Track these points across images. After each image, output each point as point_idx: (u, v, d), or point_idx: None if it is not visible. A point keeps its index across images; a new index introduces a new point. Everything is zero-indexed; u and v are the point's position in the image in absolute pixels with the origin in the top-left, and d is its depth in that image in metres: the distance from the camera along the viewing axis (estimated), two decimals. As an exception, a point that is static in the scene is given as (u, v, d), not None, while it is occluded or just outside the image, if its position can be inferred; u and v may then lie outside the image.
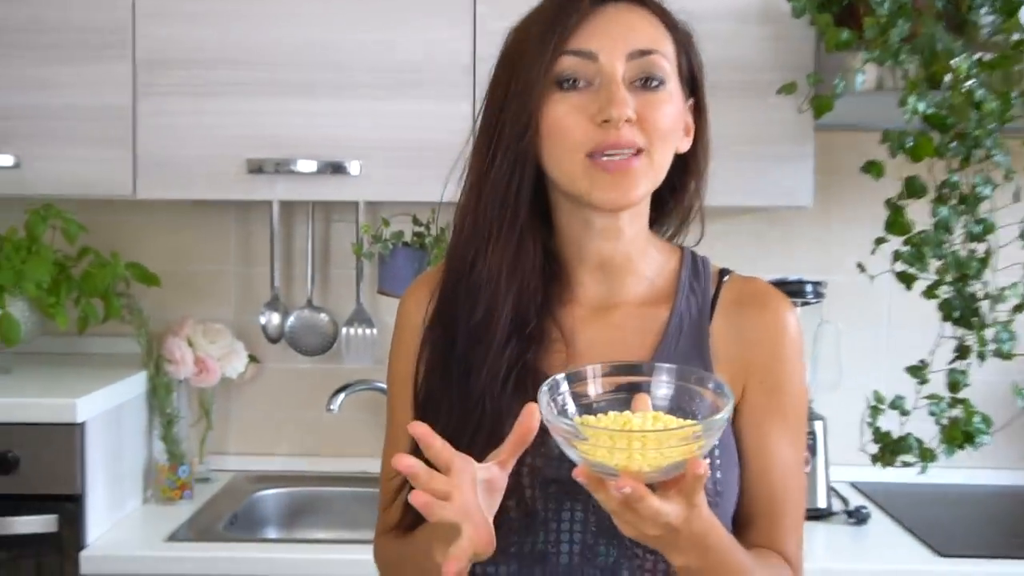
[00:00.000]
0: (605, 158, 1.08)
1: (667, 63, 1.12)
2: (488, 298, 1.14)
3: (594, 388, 1.02)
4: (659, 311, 1.18)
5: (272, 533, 2.36)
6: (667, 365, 1.02)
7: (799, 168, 2.13)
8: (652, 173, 1.11)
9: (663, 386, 1.02)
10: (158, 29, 2.12)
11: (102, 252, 2.28)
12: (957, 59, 1.89)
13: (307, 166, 2.13)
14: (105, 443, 2.08)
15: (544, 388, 0.97)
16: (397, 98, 2.12)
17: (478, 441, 1.08)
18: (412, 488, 1.06)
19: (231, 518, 2.19)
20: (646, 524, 0.93)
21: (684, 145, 1.17)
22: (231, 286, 2.51)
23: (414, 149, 2.12)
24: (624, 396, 1.00)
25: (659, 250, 1.22)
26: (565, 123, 1.09)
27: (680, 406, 0.99)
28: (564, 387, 1.00)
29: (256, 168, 2.13)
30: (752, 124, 2.12)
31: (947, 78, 1.92)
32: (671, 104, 1.12)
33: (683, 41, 1.16)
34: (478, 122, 1.17)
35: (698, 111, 1.20)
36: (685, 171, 1.21)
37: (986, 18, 2.03)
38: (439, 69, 2.12)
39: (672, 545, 0.97)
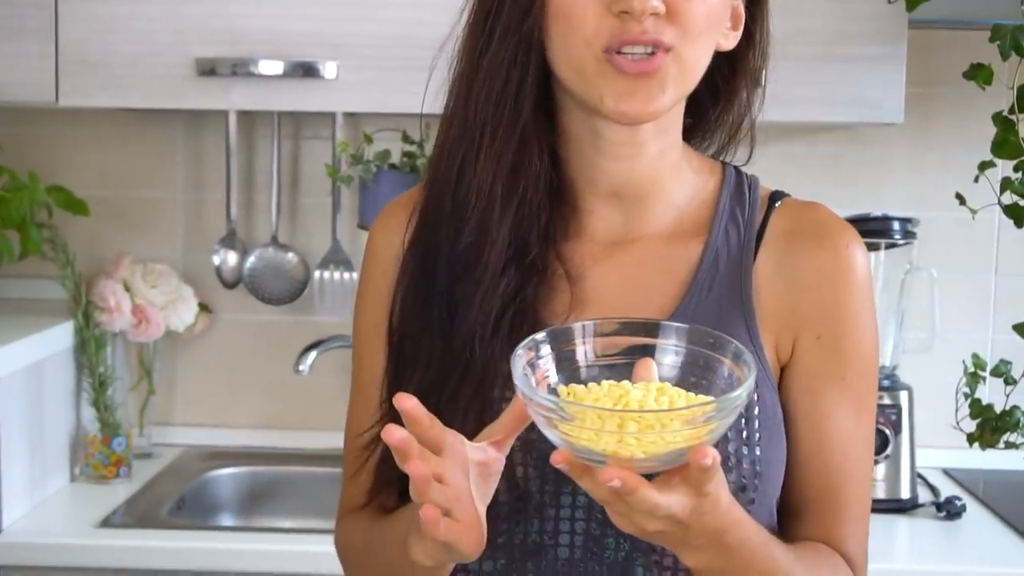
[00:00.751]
0: (623, 56, 1.07)
1: None
2: (478, 217, 1.14)
3: (584, 351, 0.98)
4: (690, 247, 1.18)
5: (227, 520, 2.40)
6: (676, 324, 1.00)
7: (887, 74, 2.13)
8: (682, 78, 1.10)
9: (670, 351, 0.99)
10: None
11: (17, 173, 2.30)
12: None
13: (271, 67, 2.14)
14: (22, 408, 2.11)
15: (519, 351, 0.95)
16: None
17: (462, 395, 1.09)
18: (385, 454, 1.09)
19: (178, 501, 2.23)
20: (643, 518, 0.91)
21: (730, 41, 1.16)
22: (177, 217, 2.53)
23: (404, 47, 2.11)
24: (623, 362, 0.98)
25: (695, 169, 1.21)
26: (576, 7, 1.08)
27: (691, 376, 0.97)
28: (546, 349, 0.97)
29: (208, 69, 2.14)
30: (825, 15, 2.12)
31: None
32: None
33: None
34: (472, 4, 1.17)
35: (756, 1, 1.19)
36: (733, 73, 1.20)
37: None
38: None
39: (681, 542, 0.95)
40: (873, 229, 2.27)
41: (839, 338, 1.16)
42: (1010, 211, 1.95)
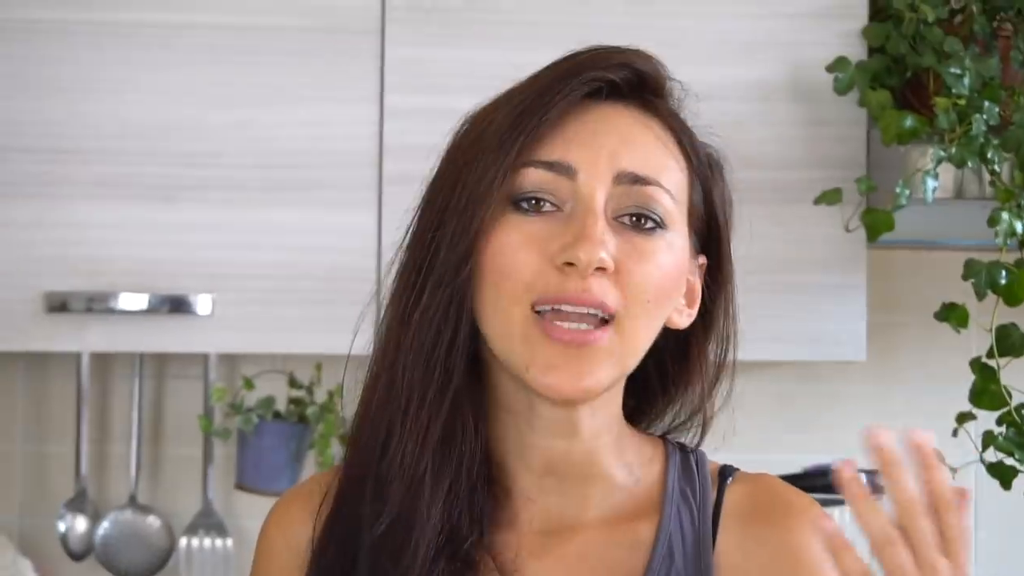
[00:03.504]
0: (557, 321, 1.08)
1: (670, 200, 1.12)
2: (403, 496, 1.12)
3: None
4: (639, 532, 1.17)
5: None
6: None
7: (847, 306, 2.17)
8: (622, 354, 1.11)
9: None
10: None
11: None
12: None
13: (134, 302, 2.11)
14: None
15: None
16: (268, 205, 2.13)
17: None
18: None
19: None
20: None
21: (683, 319, 1.18)
22: (16, 475, 2.47)
23: (292, 277, 2.13)
24: None
25: (636, 446, 1.21)
26: (514, 258, 1.10)
27: None
28: None
29: (59, 305, 2.11)
30: (778, 243, 2.14)
31: (1053, 184, 1.98)
32: (668, 256, 1.12)
33: (703, 173, 1.18)
34: (405, 242, 1.18)
35: (713, 276, 1.20)
36: (686, 358, 1.21)
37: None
38: (330, 164, 2.13)
39: None
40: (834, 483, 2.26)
41: None
42: (994, 470, 1.98)
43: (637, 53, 1.17)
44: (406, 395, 1.13)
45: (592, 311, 1.08)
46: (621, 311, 1.09)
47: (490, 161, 1.11)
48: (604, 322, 1.09)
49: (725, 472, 1.21)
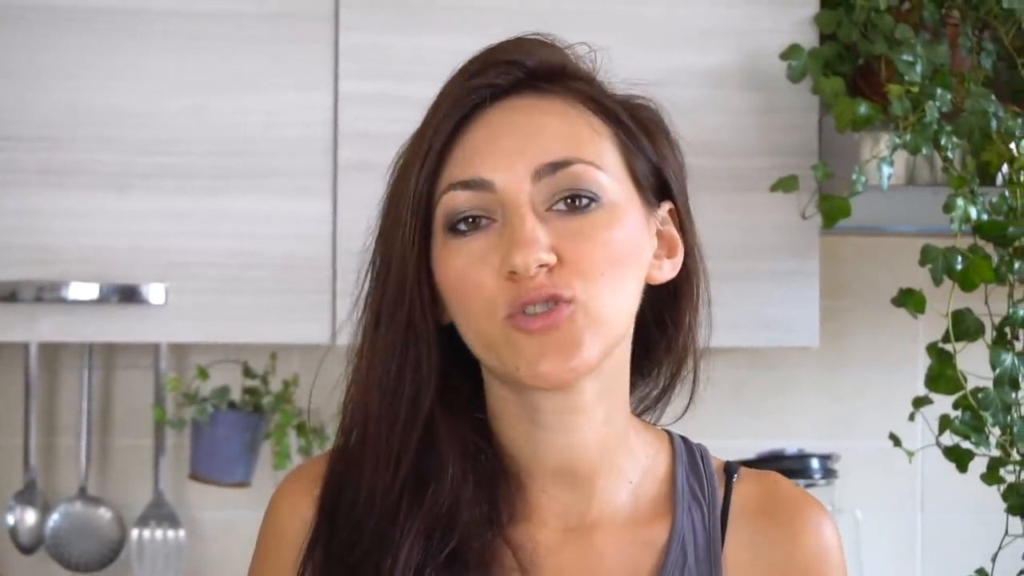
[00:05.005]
0: (524, 316, 1.10)
1: (601, 173, 1.14)
2: (375, 526, 1.15)
3: None
4: (655, 531, 1.19)
5: None
6: None
7: (800, 293, 2.19)
8: (596, 325, 1.12)
9: None
10: None
11: None
12: (1018, 143, 1.98)
13: (84, 291, 2.10)
14: None
15: None
16: (222, 192, 2.13)
17: None
18: None
19: None
20: None
21: (665, 271, 1.19)
22: (-39, 467, 2.44)
23: (246, 266, 2.12)
24: None
25: (642, 439, 1.23)
26: (469, 280, 1.12)
27: None
28: None
29: (8, 295, 2.09)
30: (732, 230, 2.17)
31: (1004, 169, 2.01)
32: (612, 226, 1.13)
33: (634, 135, 1.18)
34: (364, 274, 1.21)
35: (682, 217, 1.21)
36: (677, 298, 1.22)
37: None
38: (284, 151, 2.13)
39: None
40: (789, 468, 2.30)
41: None
42: (951, 454, 2.00)
43: (526, 47, 1.18)
44: (374, 430, 1.17)
45: (551, 303, 1.09)
46: (579, 293, 1.10)
47: (412, 191, 1.14)
48: (566, 303, 1.10)
49: (730, 469, 1.24)
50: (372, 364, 1.17)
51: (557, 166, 1.12)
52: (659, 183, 1.19)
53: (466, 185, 1.12)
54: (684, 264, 1.21)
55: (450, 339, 1.17)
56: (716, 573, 1.18)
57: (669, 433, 1.26)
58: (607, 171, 1.14)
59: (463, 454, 1.17)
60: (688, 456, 1.24)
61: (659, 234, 1.18)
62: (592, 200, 1.12)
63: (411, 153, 1.16)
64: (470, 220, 1.12)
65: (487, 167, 1.12)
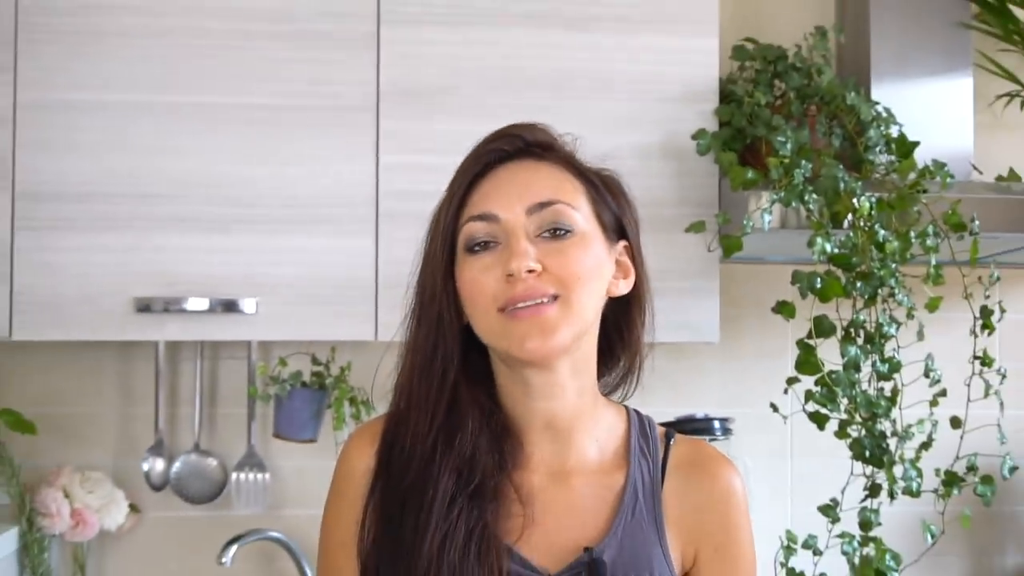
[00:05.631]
0: (516, 308, 1.12)
1: (574, 211, 1.16)
2: (419, 462, 1.15)
3: None
4: (614, 477, 1.21)
5: None
6: None
7: (705, 303, 2.18)
8: (571, 318, 1.13)
9: None
10: (39, 160, 2.07)
11: (-31, 397, 2.19)
12: (858, 199, 1.99)
13: (198, 304, 2.09)
14: (-27, 610, 1.96)
15: None
16: (295, 233, 2.11)
17: None
18: None
19: None
20: None
21: (621, 288, 1.21)
22: (110, 430, 2.43)
23: (313, 286, 2.11)
24: None
25: (606, 410, 1.24)
26: (477, 284, 1.14)
27: None
28: None
29: (144, 307, 2.08)
30: (656, 259, 2.11)
31: (849, 217, 2.01)
32: (583, 250, 1.15)
33: (601, 193, 1.21)
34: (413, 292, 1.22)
35: (633, 252, 1.24)
36: (628, 313, 1.24)
37: (881, 157, 2.15)
38: (339, 204, 2.12)
39: None
40: (698, 428, 2.31)
41: (732, 550, 1.21)
42: (813, 417, 2.01)
43: (525, 127, 1.21)
44: (416, 392, 1.18)
45: (538, 300, 1.12)
46: (561, 292, 1.12)
47: (443, 224, 1.17)
48: (552, 301, 1.12)
49: (669, 435, 1.26)
50: (414, 352, 1.19)
51: (544, 205, 1.15)
52: (618, 227, 1.22)
53: (480, 218, 1.15)
54: (635, 285, 1.23)
55: (469, 335, 1.18)
56: (658, 509, 1.19)
57: (627, 407, 1.28)
58: (580, 212, 1.16)
59: (479, 414, 1.18)
60: (639, 424, 1.25)
61: (617, 262, 1.21)
62: (568, 231, 1.15)
63: (443, 200, 1.19)
64: (483, 243, 1.15)
65: (495, 205, 1.15)
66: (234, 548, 2.25)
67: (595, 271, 1.16)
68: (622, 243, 1.22)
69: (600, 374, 1.25)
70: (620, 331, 1.25)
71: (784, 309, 2.01)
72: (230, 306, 2.10)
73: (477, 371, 1.20)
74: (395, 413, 1.21)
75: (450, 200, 1.18)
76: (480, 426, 1.17)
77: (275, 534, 2.33)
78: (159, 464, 2.37)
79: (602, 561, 1.14)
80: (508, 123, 1.23)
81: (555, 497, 1.19)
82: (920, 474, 2.02)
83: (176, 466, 2.38)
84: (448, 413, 1.16)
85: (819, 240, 1.96)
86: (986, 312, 2.05)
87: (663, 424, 1.30)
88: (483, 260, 1.15)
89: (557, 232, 1.14)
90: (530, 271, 1.11)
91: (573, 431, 1.20)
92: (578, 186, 1.18)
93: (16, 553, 2.18)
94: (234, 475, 2.38)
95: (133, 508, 2.36)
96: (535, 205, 1.14)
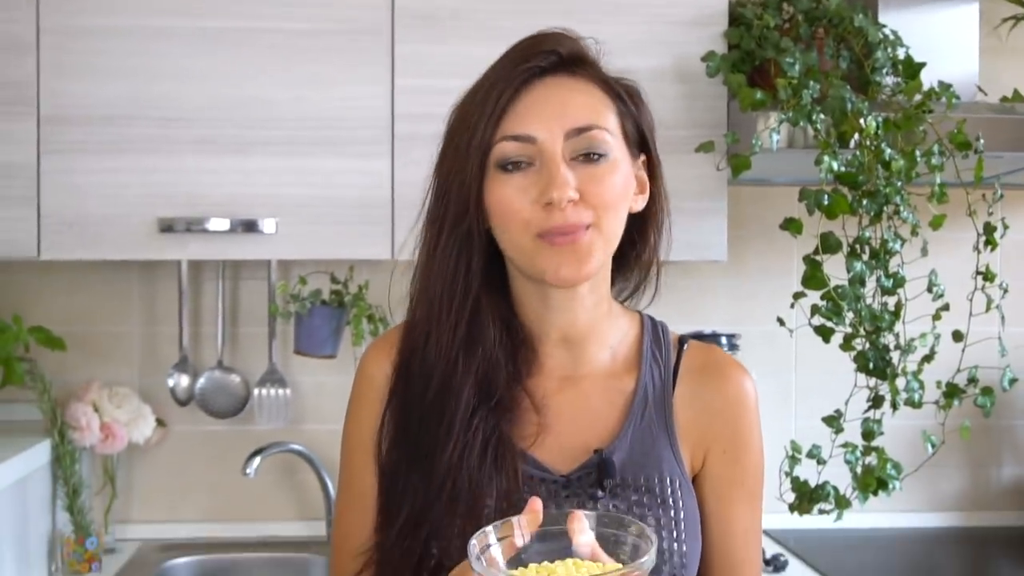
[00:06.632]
0: (555, 236, 1.11)
1: (608, 135, 1.14)
2: (441, 375, 1.15)
3: (522, 535, 1.00)
4: (625, 381, 1.21)
5: (185, 604, 2.32)
6: (589, 512, 1.02)
7: (714, 223, 2.19)
8: (603, 244, 1.13)
9: (586, 532, 1.00)
10: (63, 84, 2.09)
11: (1, 316, 2.23)
12: (865, 119, 2.00)
13: (219, 224, 2.11)
14: (11, 517, 2.02)
15: (473, 541, 0.97)
16: (313, 155, 2.13)
17: (451, 513, 1.11)
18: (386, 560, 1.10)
19: (143, 591, 2.16)
20: None
21: (639, 204, 1.20)
22: (136, 347, 2.47)
23: (331, 206, 2.13)
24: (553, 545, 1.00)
25: (620, 317, 1.24)
26: (512, 206, 1.12)
27: (605, 551, 0.98)
28: (493, 537, 0.99)
29: (167, 227, 2.10)
30: (666, 180, 2.14)
31: (856, 137, 2.02)
32: (616, 174, 1.13)
33: (627, 105, 1.19)
34: (428, 196, 1.19)
35: (651, 166, 1.22)
36: (643, 227, 1.23)
37: (887, 79, 2.16)
38: (356, 126, 2.13)
39: None
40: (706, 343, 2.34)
41: (741, 452, 1.21)
42: (819, 331, 2.04)
43: (558, 39, 1.17)
44: (438, 305, 1.16)
45: (576, 230, 1.10)
46: (594, 221, 1.11)
47: (474, 141, 1.13)
48: (586, 228, 1.11)
49: (682, 340, 1.25)
50: (436, 259, 1.16)
51: (582, 130, 1.12)
52: (639, 138, 1.20)
53: (516, 138, 1.12)
54: (651, 200, 1.21)
55: (487, 242, 1.17)
56: (668, 412, 1.19)
57: (640, 314, 1.27)
58: (612, 133, 1.14)
59: (500, 325, 1.17)
60: (652, 330, 1.25)
61: (636, 177, 1.19)
62: (603, 156, 1.13)
63: (476, 113, 1.14)
64: (514, 163, 1.12)
65: (533, 127, 1.12)
66: (258, 460, 2.30)
67: (625, 194, 1.15)
68: (641, 157, 1.21)
69: (615, 282, 1.25)
70: (635, 244, 1.23)
71: (792, 225, 2.02)
72: (250, 226, 2.12)
73: (494, 281, 1.19)
74: (412, 322, 1.20)
75: (487, 117, 1.13)
76: (500, 337, 1.17)
77: (297, 447, 2.38)
78: (184, 380, 2.41)
79: (611, 461, 1.15)
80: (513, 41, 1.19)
81: (568, 401, 1.19)
82: (922, 386, 2.05)
83: (200, 382, 2.41)
84: (469, 325, 1.16)
85: (826, 158, 1.97)
86: (989, 228, 2.07)
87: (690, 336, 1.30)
88: (517, 180, 1.12)
89: (591, 156, 1.12)
90: (571, 201, 1.10)
91: (587, 340, 1.20)
92: (608, 103, 1.16)
93: (49, 465, 2.24)
94: (256, 391, 2.42)
95: (160, 422, 2.41)
96: (573, 130, 1.12)
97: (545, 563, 0.96)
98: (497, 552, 0.98)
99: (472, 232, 1.14)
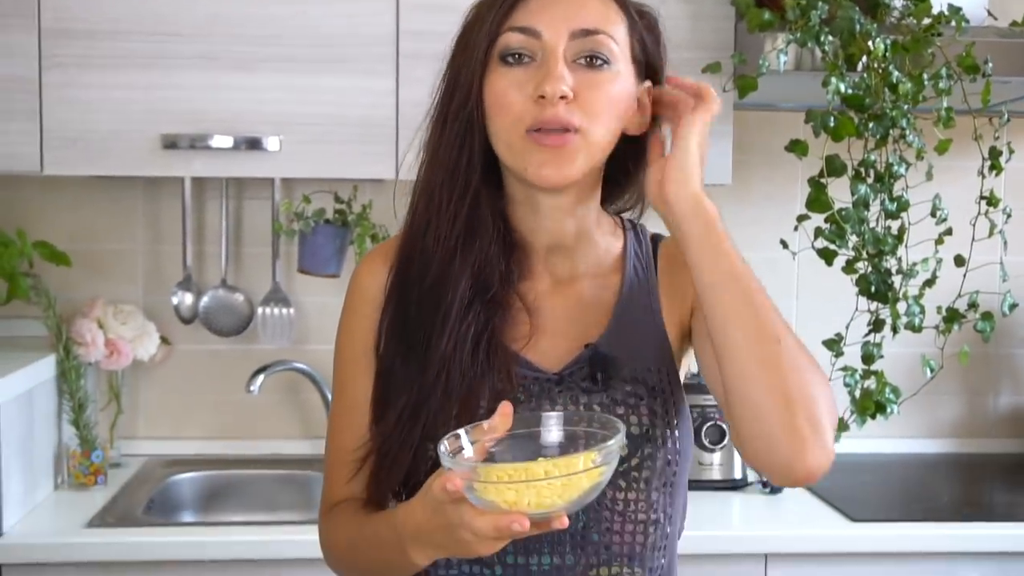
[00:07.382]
0: (540, 133, 1.11)
1: (614, 44, 1.13)
2: (439, 263, 1.16)
3: (492, 441, 1.03)
4: (612, 280, 1.24)
5: (190, 517, 2.34)
6: (555, 413, 1.06)
7: (719, 146, 2.11)
8: (588, 151, 1.13)
9: (553, 432, 1.05)
10: (65, -3, 2.06)
11: (4, 229, 2.22)
12: (873, 41, 1.97)
13: (223, 141, 2.10)
14: (17, 429, 2.03)
15: (444, 442, 0.99)
16: (318, 73, 2.11)
17: (445, 410, 1.12)
18: (381, 466, 1.13)
19: (148, 503, 2.17)
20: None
21: (636, 126, 1.18)
22: (140, 265, 2.47)
23: (335, 125, 2.11)
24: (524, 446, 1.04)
25: (607, 224, 1.27)
26: (506, 98, 1.12)
27: (574, 448, 1.03)
28: (465, 440, 1.01)
29: (170, 144, 2.09)
30: None
31: (863, 60, 2.00)
32: (615, 84, 1.13)
33: (638, 24, 1.18)
34: (435, 96, 1.19)
35: (656, 95, 1.20)
36: (640, 155, 1.21)
37: (897, 1, 2.12)
38: (361, 44, 2.11)
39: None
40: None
41: None
42: (822, 253, 2.02)
43: None
44: (439, 195, 1.17)
45: (562, 128, 1.10)
46: (584, 125, 1.11)
47: (481, 30, 1.13)
48: (574, 132, 1.11)
49: (656, 239, 1.28)
50: (440, 148, 1.17)
51: (588, 32, 1.12)
52: (647, 66, 1.19)
53: (521, 30, 1.12)
54: (650, 125, 1.20)
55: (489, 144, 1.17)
56: (654, 301, 1.23)
57: (622, 219, 1.29)
58: (619, 44, 1.14)
59: (497, 220, 1.18)
60: (634, 233, 1.28)
61: (638, 101, 1.18)
62: (605, 62, 1.13)
63: (486, 7, 1.15)
64: (516, 56, 1.12)
65: (540, 21, 1.12)
66: (261, 378, 2.32)
67: (620, 107, 1.15)
68: (647, 83, 1.19)
69: (613, 200, 1.27)
70: (628, 170, 1.24)
71: (797, 147, 2.00)
72: (254, 143, 2.10)
73: (492, 182, 1.19)
74: (411, 222, 1.20)
75: (496, 8, 1.13)
76: (496, 233, 1.18)
77: (300, 365, 2.39)
78: (188, 298, 2.41)
79: (602, 354, 1.18)
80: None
81: (559, 304, 1.22)
82: (923, 310, 2.04)
83: (204, 300, 2.41)
84: (468, 217, 1.17)
85: (833, 80, 1.94)
86: (994, 152, 2.05)
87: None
88: (515, 74, 1.12)
89: (594, 61, 1.12)
90: (562, 97, 1.09)
91: (576, 248, 1.23)
92: (621, 16, 1.16)
93: (55, 379, 2.24)
94: (260, 309, 2.42)
95: (164, 340, 2.42)
96: (580, 31, 1.12)
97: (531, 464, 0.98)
98: (469, 453, 1.01)
99: (472, 123, 1.14)
